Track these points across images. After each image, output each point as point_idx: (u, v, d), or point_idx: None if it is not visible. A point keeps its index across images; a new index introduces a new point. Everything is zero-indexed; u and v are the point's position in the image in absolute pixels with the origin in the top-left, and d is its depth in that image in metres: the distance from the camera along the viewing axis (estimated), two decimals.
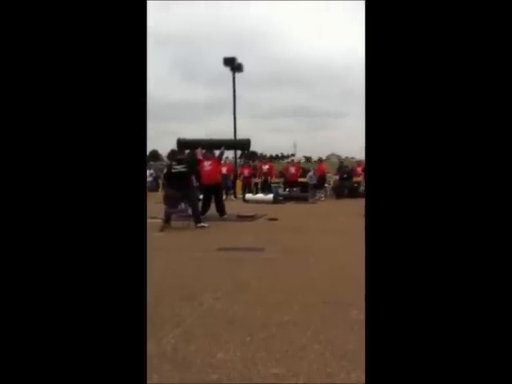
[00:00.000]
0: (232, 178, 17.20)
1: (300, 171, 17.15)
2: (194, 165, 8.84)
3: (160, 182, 15.96)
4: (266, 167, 17.39)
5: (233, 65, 22.28)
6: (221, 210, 9.48)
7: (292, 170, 17.09)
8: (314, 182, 16.22)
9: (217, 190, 9.66)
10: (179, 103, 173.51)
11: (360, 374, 2.19)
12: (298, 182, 16.67)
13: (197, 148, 9.72)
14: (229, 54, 22.50)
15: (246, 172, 17.38)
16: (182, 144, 10.17)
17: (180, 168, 8.34)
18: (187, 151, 9.50)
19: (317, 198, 15.57)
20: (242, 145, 11.06)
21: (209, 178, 9.38)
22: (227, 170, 16.70)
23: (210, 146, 10.05)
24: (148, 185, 17.32)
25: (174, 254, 5.56)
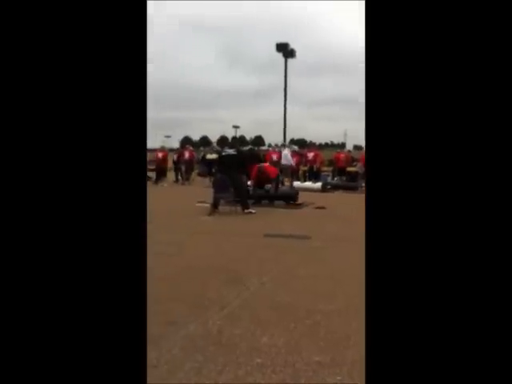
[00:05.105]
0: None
1: (350, 160, 16.85)
2: (248, 158, 9.06)
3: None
4: (311, 155, 17.17)
5: (285, 50, 22.05)
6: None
7: (341, 158, 16.81)
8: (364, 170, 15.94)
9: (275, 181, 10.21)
10: (227, 90, 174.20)
11: None
12: (347, 170, 16.42)
13: None
14: (277, 41, 22.14)
15: (294, 160, 17.23)
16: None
17: (231, 151, 8.43)
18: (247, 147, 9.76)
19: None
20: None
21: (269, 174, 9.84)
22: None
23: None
24: (200, 169, 17.70)
25: (221, 238, 5.64)
